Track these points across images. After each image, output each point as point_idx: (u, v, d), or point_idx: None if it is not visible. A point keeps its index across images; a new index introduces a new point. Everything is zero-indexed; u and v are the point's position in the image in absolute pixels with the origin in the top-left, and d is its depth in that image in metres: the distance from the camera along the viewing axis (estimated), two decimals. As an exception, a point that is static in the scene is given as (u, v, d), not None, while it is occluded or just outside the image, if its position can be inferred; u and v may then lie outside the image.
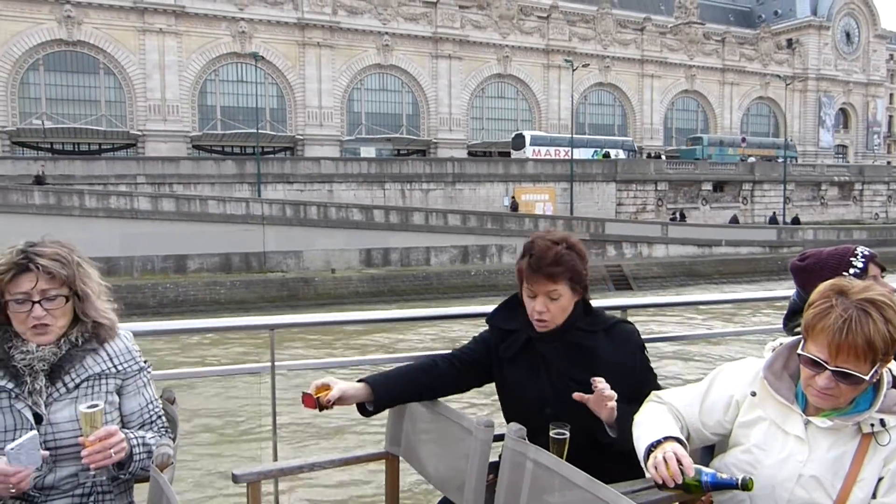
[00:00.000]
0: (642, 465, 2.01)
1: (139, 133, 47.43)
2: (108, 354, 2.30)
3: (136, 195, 31.37)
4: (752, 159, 56.27)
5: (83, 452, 2.06)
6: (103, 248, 28.11)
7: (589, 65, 59.21)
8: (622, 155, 53.41)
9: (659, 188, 48.08)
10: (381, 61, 54.52)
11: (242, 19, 49.47)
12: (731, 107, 70.50)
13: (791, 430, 1.96)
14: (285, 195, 36.55)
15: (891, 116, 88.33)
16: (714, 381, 2.18)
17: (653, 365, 2.66)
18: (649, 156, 56.60)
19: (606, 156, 51.81)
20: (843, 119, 79.13)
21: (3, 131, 44.12)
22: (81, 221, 28.75)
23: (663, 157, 54.86)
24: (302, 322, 3.69)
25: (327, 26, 51.99)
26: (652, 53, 65.30)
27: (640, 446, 2.05)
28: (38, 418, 2.15)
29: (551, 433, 2.28)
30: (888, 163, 77.57)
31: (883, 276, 2.71)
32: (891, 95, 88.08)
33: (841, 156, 77.65)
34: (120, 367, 2.31)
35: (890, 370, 1.94)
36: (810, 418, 1.94)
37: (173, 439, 2.38)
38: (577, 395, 2.36)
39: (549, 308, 2.49)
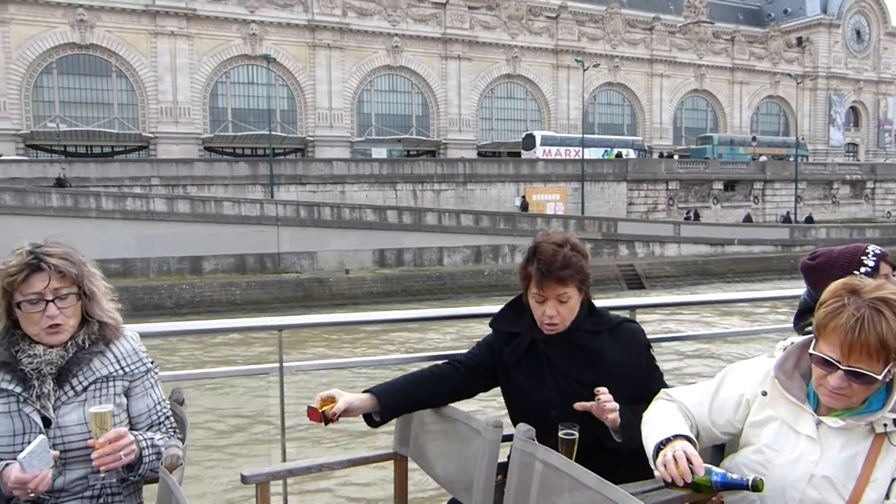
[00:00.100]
0: (651, 463, 1.99)
1: (151, 135, 47.70)
2: (115, 356, 2.30)
3: (152, 197, 31.58)
4: (763, 158, 55.97)
5: (93, 455, 2.07)
6: (120, 249, 28.37)
7: (599, 65, 59.11)
8: (632, 154, 53.30)
9: (670, 187, 47.94)
10: (391, 62, 54.60)
11: (253, 21, 49.68)
12: (740, 106, 70.15)
13: (802, 429, 1.94)
14: (298, 196, 36.67)
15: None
16: (724, 380, 2.16)
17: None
18: (661, 155, 56.41)
19: (619, 156, 51.69)
20: (853, 117, 78.55)
21: (17, 134, 44.49)
22: (98, 223, 28.99)
23: (676, 156, 54.64)
24: (310, 323, 3.68)
25: (337, 28, 52.13)
26: (661, 53, 65.06)
27: (649, 444, 2.04)
28: (47, 422, 2.15)
29: (560, 433, 2.27)
30: (900, 160, 77.01)
31: (895, 275, 2.68)
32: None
33: (851, 154, 77.12)
34: (127, 369, 2.31)
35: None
36: (822, 418, 1.92)
37: (182, 440, 2.39)
38: (578, 405, 2.36)
39: (559, 311, 2.48)
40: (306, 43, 51.61)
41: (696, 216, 46.18)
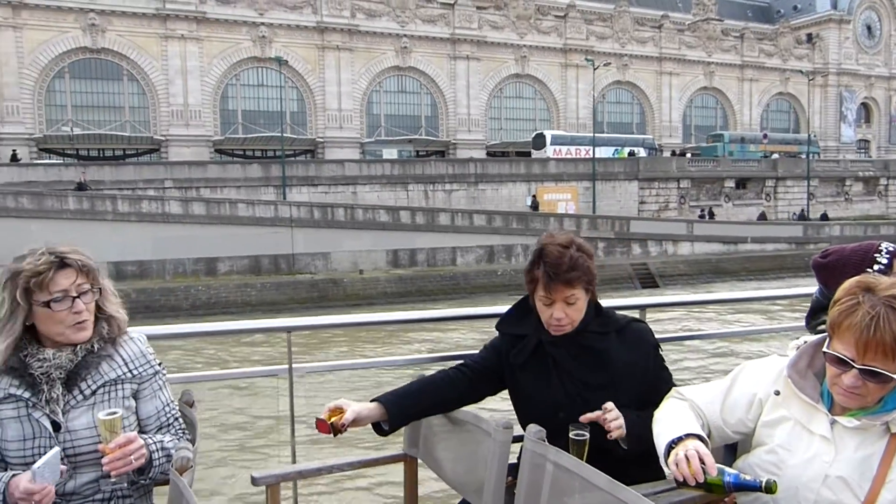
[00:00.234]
0: (662, 462, 1.97)
1: (162, 138, 47.96)
2: (123, 359, 2.31)
3: (167, 199, 31.80)
4: (774, 156, 55.63)
5: (104, 460, 2.07)
6: (136, 251, 28.59)
7: (609, 63, 58.92)
8: (643, 153, 53.15)
9: (681, 186, 47.76)
10: (400, 63, 54.65)
11: (262, 24, 49.85)
12: (750, 103, 69.73)
13: (816, 429, 1.92)
14: (310, 197, 36.79)
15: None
16: (737, 379, 2.14)
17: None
18: (672, 153, 56.20)
19: (631, 154, 51.53)
20: (864, 113, 77.91)
21: (31, 138, 44.84)
22: (115, 226, 29.28)
23: (688, 154, 54.40)
24: (318, 324, 3.67)
25: (346, 29, 52.23)
26: (670, 51, 64.77)
27: (661, 443, 2.02)
28: (56, 426, 2.16)
29: (571, 434, 2.26)
30: (912, 156, 76.33)
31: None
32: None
33: (863, 150, 76.51)
34: (135, 372, 2.32)
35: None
36: (836, 418, 1.89)
37: (192, 441, 2.39)
38: (584, 417, 2.33)
39: (567, 313, 2.47)
40: (315, 45, 51.73)
41: (711, 214, 46.01)
